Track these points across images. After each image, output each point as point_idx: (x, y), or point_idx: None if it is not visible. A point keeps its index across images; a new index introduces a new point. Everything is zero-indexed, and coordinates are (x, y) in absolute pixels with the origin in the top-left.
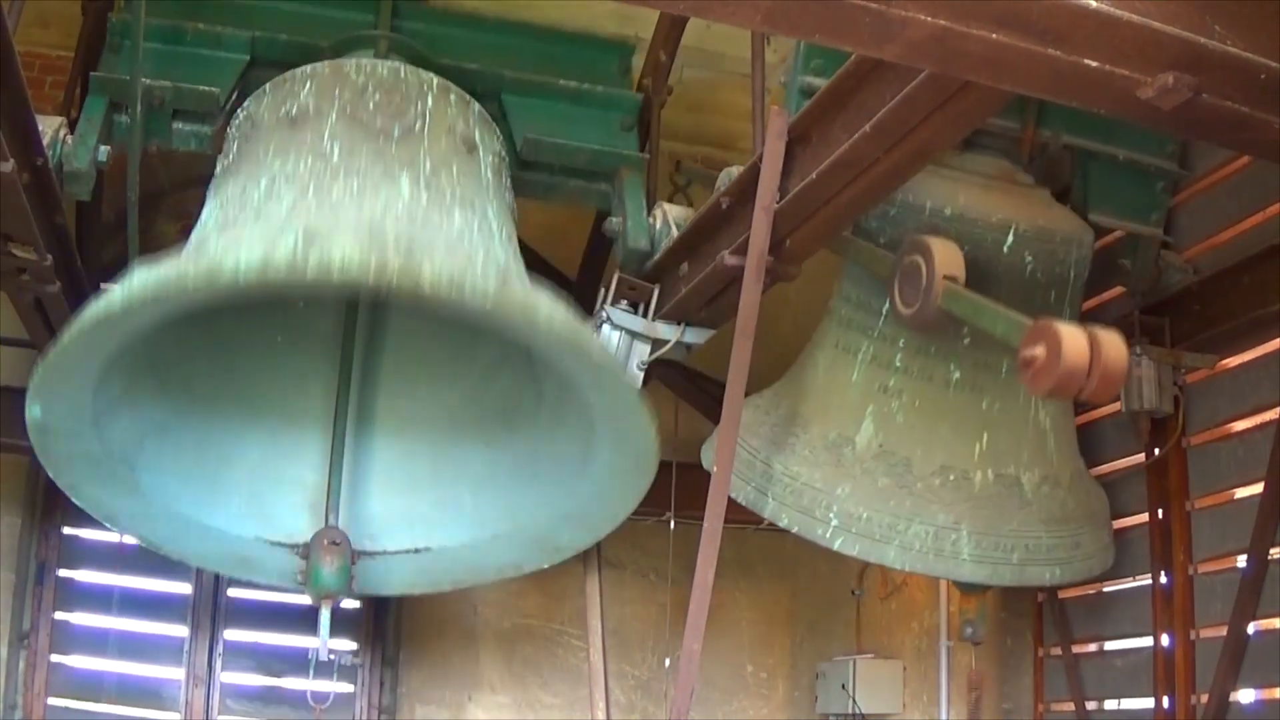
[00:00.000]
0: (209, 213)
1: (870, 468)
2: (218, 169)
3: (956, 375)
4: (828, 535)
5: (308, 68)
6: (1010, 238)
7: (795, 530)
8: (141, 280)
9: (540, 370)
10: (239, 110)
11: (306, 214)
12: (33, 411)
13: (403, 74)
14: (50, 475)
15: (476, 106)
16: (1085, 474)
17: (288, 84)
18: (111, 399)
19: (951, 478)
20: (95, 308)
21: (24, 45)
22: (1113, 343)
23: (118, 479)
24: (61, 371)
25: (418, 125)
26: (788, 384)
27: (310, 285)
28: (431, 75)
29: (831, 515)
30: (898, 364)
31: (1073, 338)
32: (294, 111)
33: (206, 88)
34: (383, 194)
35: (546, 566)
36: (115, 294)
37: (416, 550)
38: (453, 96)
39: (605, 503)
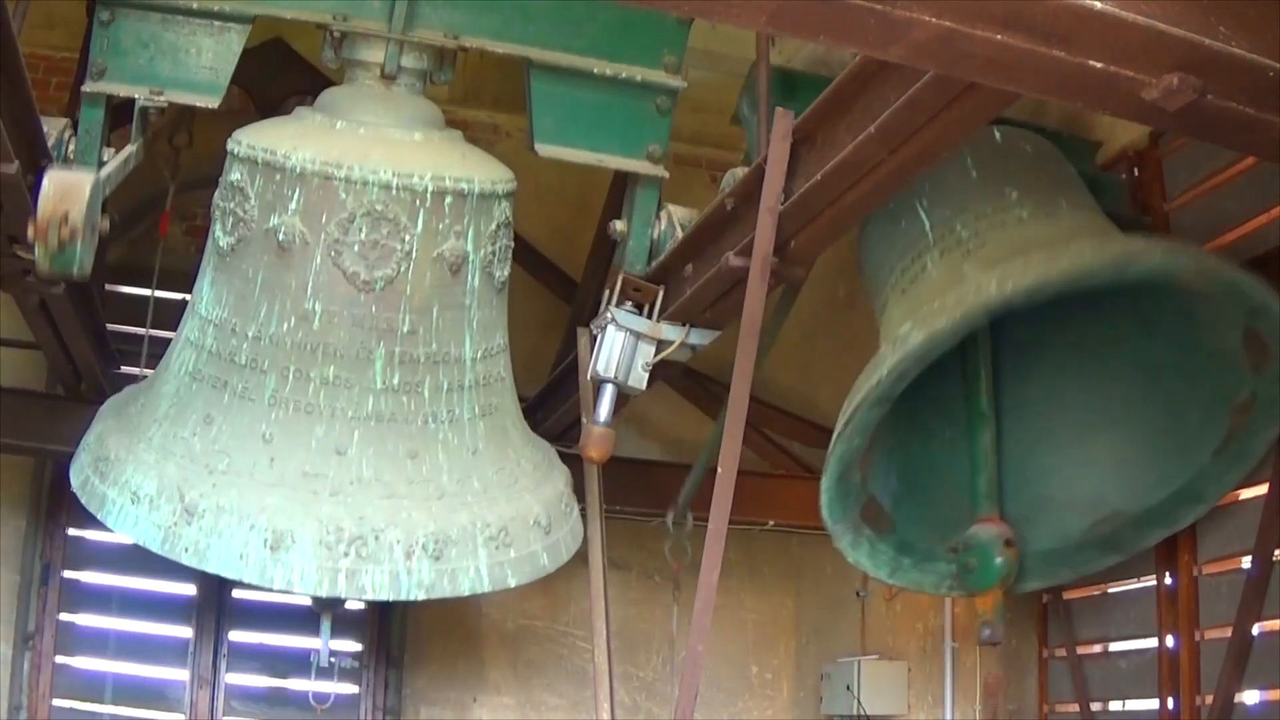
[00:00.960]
0: (206, 315)
1: None
2: (217, 234)
3: None
4: None
5: (296, 165)
6: None
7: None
8: (139, 530)
9: None
10: (231, 163)
11: (282, 433)
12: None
13: (394, 191)
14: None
15: (475, 191)
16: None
17: (277, 179)
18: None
19: None
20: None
21: (29, 47)
22: None
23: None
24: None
25: (401, 269)
26: None
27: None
28: (427, 183)
29: None
30: None
31: None
32: (281, 236)
33: (203, 103)
34: (355, 391)
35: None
36: (112, 510)
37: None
38: (448, 202)
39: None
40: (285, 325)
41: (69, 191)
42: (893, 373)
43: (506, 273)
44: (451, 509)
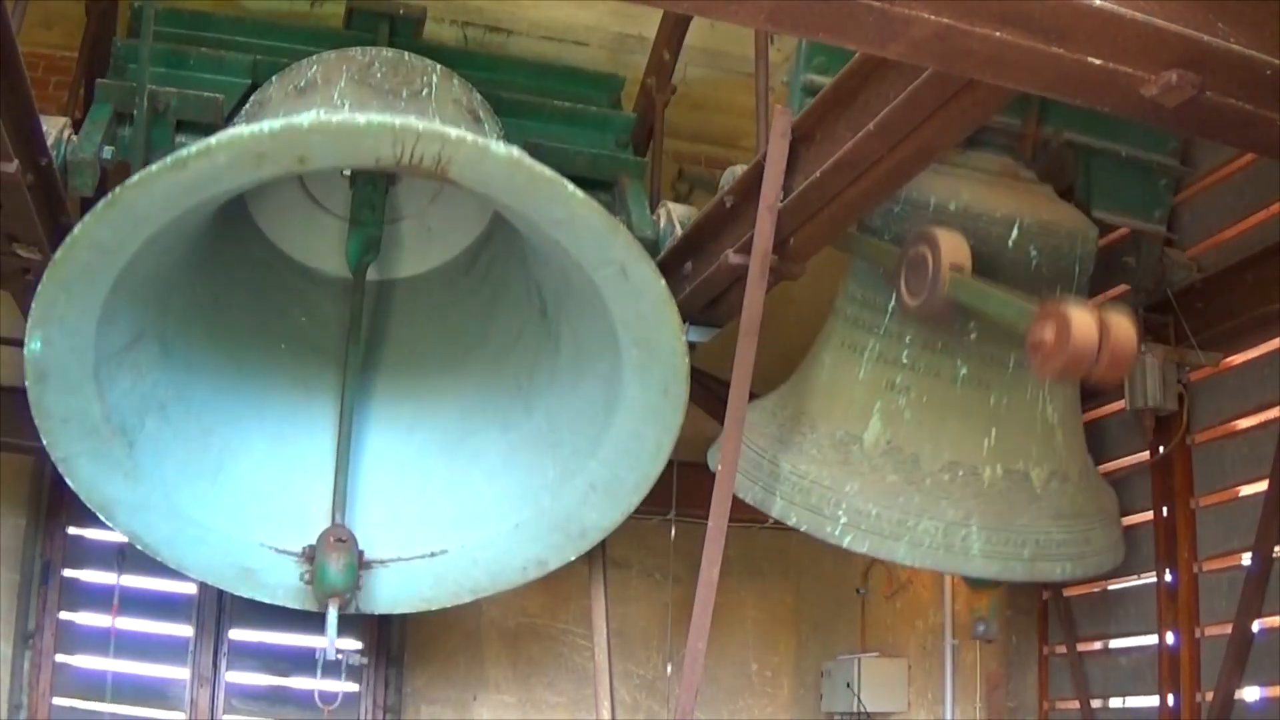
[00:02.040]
0: None
1: (878, 464)
2: None
3: (964, 371)
4: (837, 533)
5: (314, 55)
6: (1015, 232)
7: (804, 528)
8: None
9: (556, 315)
10: (249, 100)
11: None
12: (32, 345)
13: (406, 57)
14: (45, 443)
15: (478, 95)
16: (1093, 470)
17: (294, 69)
18: (113, 349)
19: (960, 473)
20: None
21: (28, 46)
22: (1121, 323)
23: (114, 458)
24: (72, 275)
25: (424, 92)
26: (794, 385)
27: (336, 144)
28: (434, 62)
29: (840, 513)
30: (904, 360)
31: (1081, 319)
32: (302, 84)
33: (211, 94)
34: None
35: (573, 559)
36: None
37: (433, 554)
38: (455, 80)
39: (634, 459)
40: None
41: None
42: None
43: None
44: None
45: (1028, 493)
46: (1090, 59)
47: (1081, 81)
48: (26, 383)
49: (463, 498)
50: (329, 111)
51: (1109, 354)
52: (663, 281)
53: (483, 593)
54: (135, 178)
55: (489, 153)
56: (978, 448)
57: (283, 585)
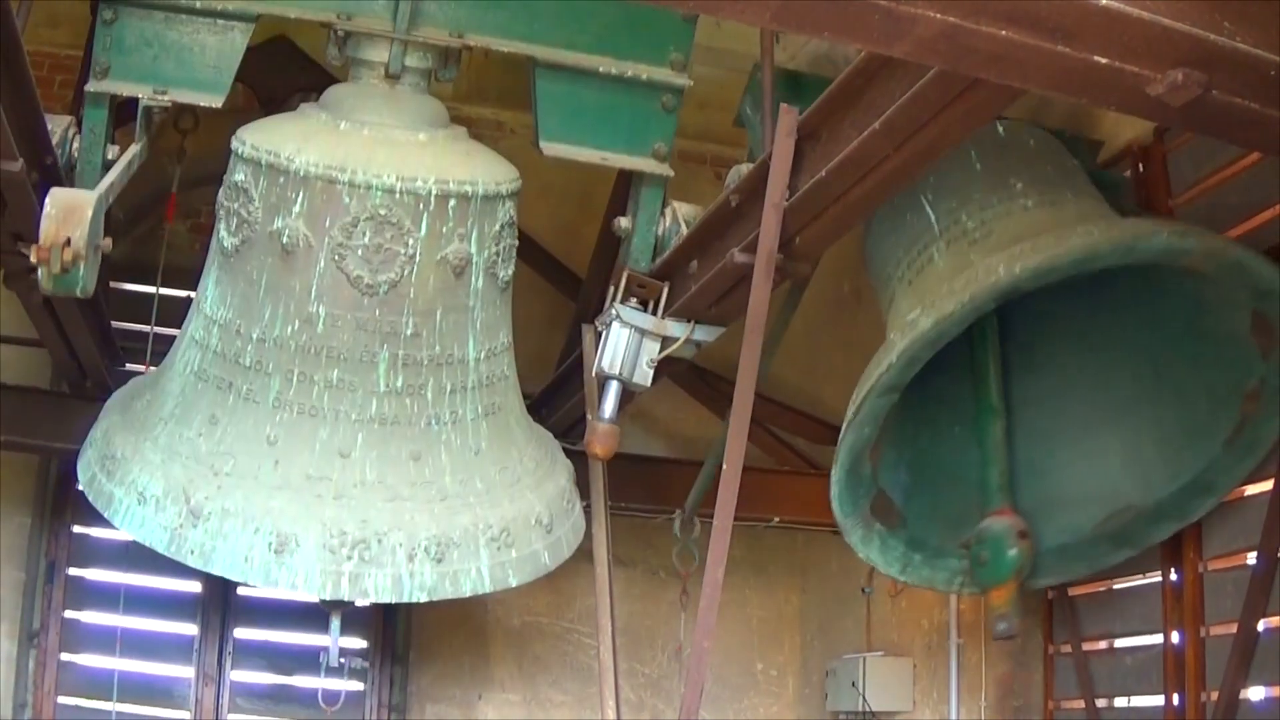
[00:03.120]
0: (211, 315)
1: None
2: (221, 234)
3: None
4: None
5: (300, 168)
6: None
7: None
8: (144, 530)
9: None
10: (235, 162)
11: (286, 436)
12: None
13: (398, 195)
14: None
15: (479, 193)
16: None
17: (281, 182)
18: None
19: None
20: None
21: (33, 45)
22: None
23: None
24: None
25: (405, 273)
26: None
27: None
28: (430, 186)
29: None
30: None
31: None
32: (285, 239)
33: (206, 103)
34: (359, 393)
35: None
36: (119, 509)
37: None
38: (451, 205)
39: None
40: (289, 328)
41: (71, 214)
42: (902, 357)
43: (510, 272)
44: (454, 511)
45: None
46: (1096, 58)
47: (1087, 80)
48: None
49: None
50: (266, 567)
51: None
52: None
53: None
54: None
55: (404, 597)
56: None
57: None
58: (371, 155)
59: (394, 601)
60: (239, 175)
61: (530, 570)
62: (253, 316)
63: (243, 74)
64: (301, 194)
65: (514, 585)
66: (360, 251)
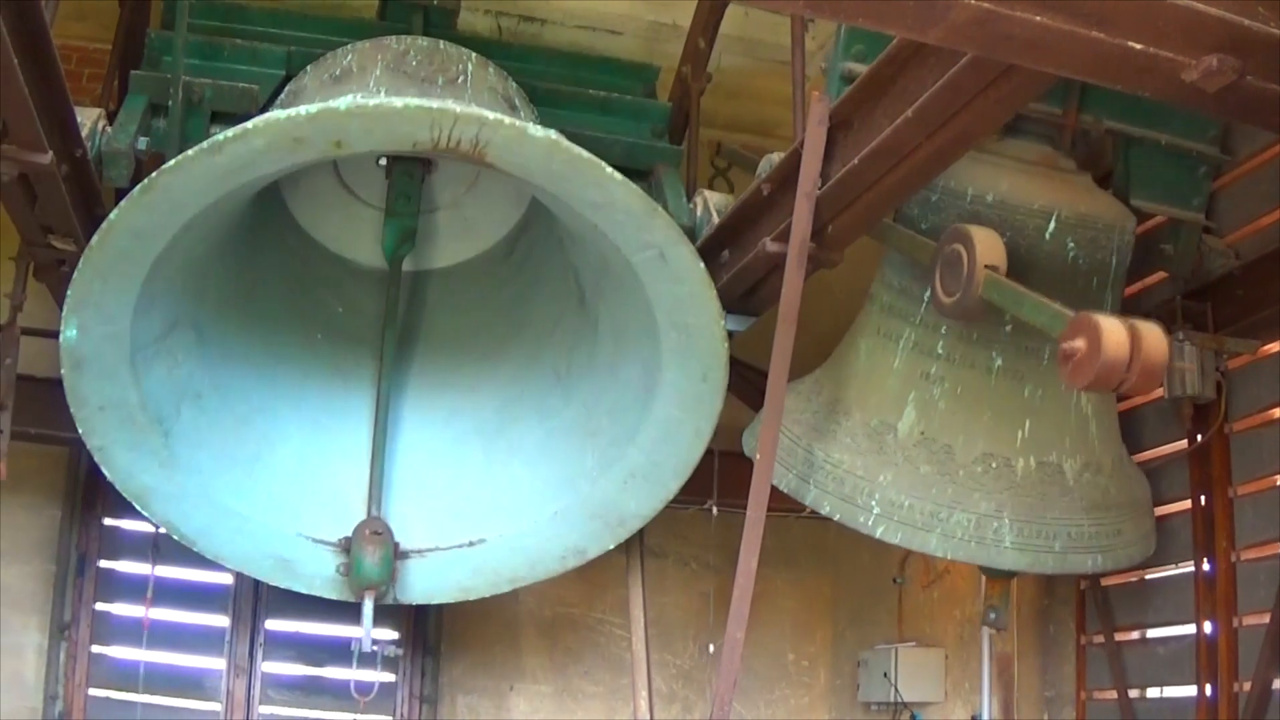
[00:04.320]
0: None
1: (912, 455)
2: None
3: (999, 362)
4: (870, 523)
5: (348, 45)
6: (1052, 224)
7: (837, 518)
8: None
9: (595, 302)
10: (285, 88)
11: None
12: (68, 333)
13: (441, 45)
14: (80, 431)
15: (514, 83)
16: (1127, 460)
17: (329, 58)
18: (149, 337)
19: (994, 465)
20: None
21: (61, 38)
22: (1153, 335)
23: (150, 446)
24: (108, 262)
25: (460, 79)
26: (829, 370)
27: (373, 128)
28: (469, 51)
29: (874, 503)
30: (939, 351)
31: (1113, 331)
32: (337, 72)
33: (246, 85)
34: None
35: (612, 547)
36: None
37: (470, 544)
38: (491, 68)
39: (673, 446)
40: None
41: None
42: None
43: None
44: None
45: (1060, 485)
46: (1130, 43)
47: (1121, 66)
48: (62, 370)
49: (500, 487)
50: (366, 95)
51: (1140, 366)
52: (702, 265)
53: (521, 582)
54: (172, 162)
55: (526, 135)
56: (1011, 439)
57: (319, 576)
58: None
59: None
60: (288, 88)
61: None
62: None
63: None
64: (351, 54)
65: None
66: (415, 62)
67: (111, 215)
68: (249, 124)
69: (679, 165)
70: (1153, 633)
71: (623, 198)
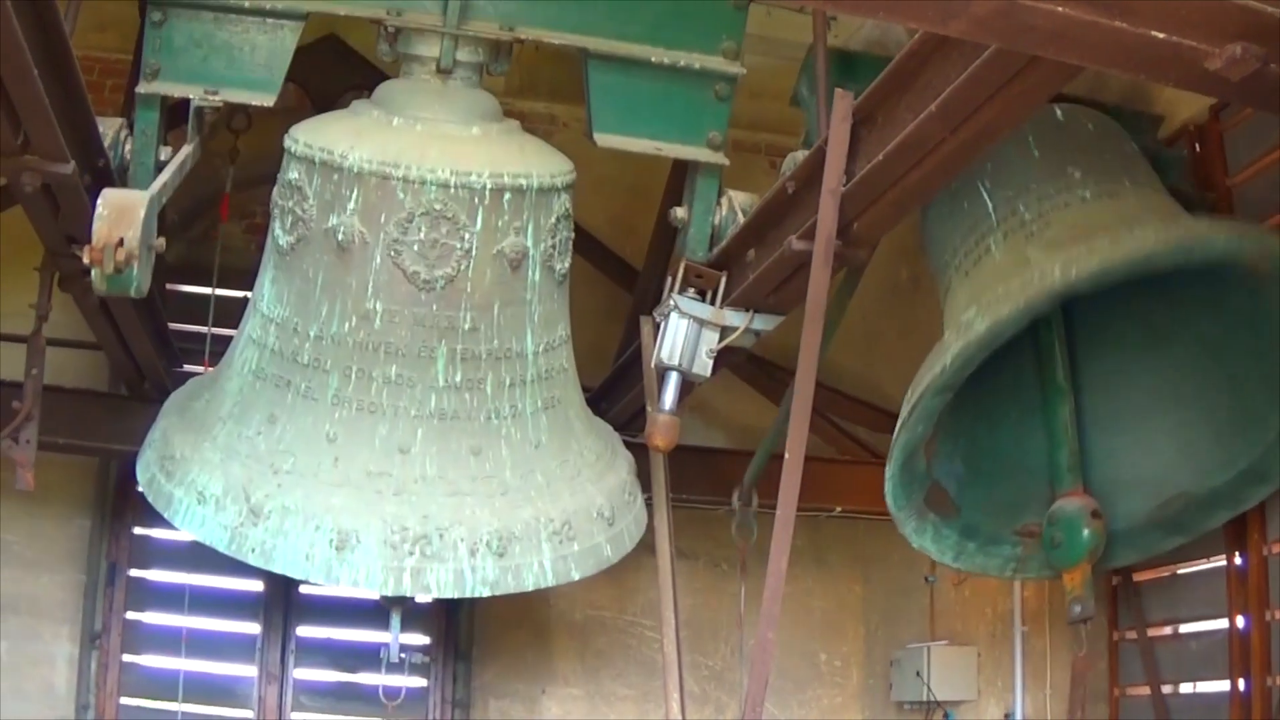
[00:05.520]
0: (268, 314)
1: None
2: (276, 232)
3: None
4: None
5: (354, 164)
6: None
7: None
8: (205, 530)
9: None
10: (289, 162)
11: (345, 434)
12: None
13: (452, 190)
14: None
15: (534, 186)
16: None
17: (335, 179)
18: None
19: None
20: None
21: (82, 49)
22: None
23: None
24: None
25: (462, 268)
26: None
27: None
28: (485, 180)
29: None
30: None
31: None
32: (340, 236)
33: (259, 101)
34: (418, 389)
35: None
36: (179, 509)
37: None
38: (506, 199)
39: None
40: (347, 325)
41: (124, 215)
42: (956, 360)
43: (567, 264)
44: (515, 505)
45: None
46: (1153, 33)
47: (1144, 56)
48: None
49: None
50: (329, 564)
51: None
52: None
53: None
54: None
55: (466, 592)
56: None
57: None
58: (425, 150)
59: (456, 597)
60: (293, 174)
61: (593, 563)
62: (310, 314)
63: (294, 73)
64: (356, 190)
65: (576, 579)
66: (416, 247)
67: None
68: (238, 553)
69: (718, 175)
70: (1185, 627)
71: None
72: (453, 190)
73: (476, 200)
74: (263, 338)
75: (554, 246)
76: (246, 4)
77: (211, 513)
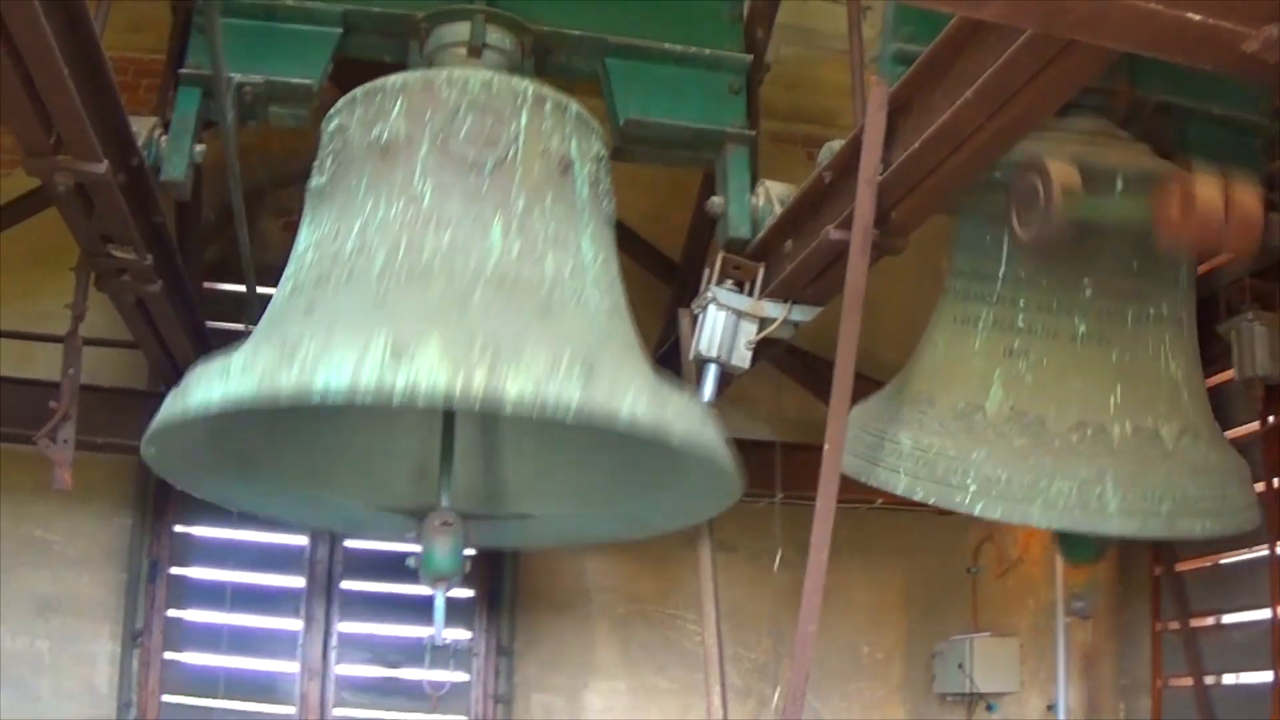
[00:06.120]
0: (305, 244)
1: (1004, 430)
2: (312, 182)
3: (1082, 329)
4: (967, 501)
5: (398, 80)
6: (1119, 184)
7: (932, 501)
8: (229, 389)
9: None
10: (331, 116)
11: (395, 292)
12: (149, 451)
13: (495, 88)
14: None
15: (574, 110)
16: (1219, 430)
17: (378, 99)
18: (223, 433)
19: (1089, 432)
20: (177, 408)
21: (117, 50)
22: (1246, 191)
23: (234, 476)
24: (167, 435)
25: (510, 153)
26: (907, 372)
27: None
28: (526, 84)
29: (969, 481)
30: (1020, 324)
31: (1206, 189)
32: (384, 138)
33: (299, 80)
34: (474, 254)
35: (641, 538)
36: (199, 397)
37: (521, 516)
38: (548, 106)
39: (693, 505)
40: (394, 210)
41: None
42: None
43: (612, 208)
44: (591, 357)
45: (1160, 450)
46: (1189, 15)
47: (1180, 38)
48: (146, 457)
49: (551, 475)
50: (383, 369)
51: (1235, 222)
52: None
53: (565, 543)
54: (194, 404)
55: (548, 408)
56: (1104, 405)
57: (390, 527)
58: (465, 70)
59: (536, 412)
60: (334, 123)
61: (684, 427)
62: (353, 214)
63: (331, 76)
64: (400, 99)
65: (676, 432)
66: (463, 134)
67: (153, 424)
68: (271, 390)
69: (748, 146)
70: (1228, 618)
71: (649, 432)
72: (496, 89)
73: (520, 100)
74: (297, 271)
75: (598, 178)
76: (289, 3)
77: (238, 375)
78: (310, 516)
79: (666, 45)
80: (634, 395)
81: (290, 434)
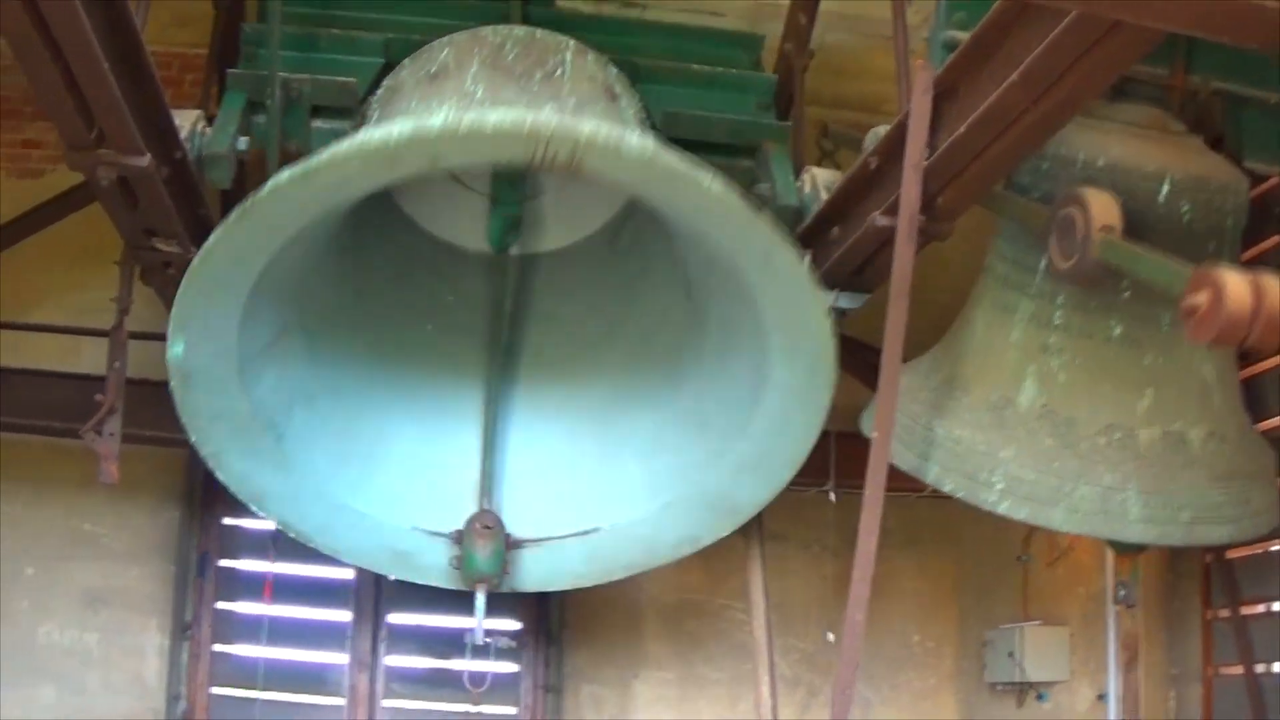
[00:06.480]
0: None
1: (1034, 428)
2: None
3: (1117, 330)
4: (994, 500)
5: (445, 37)
6: (1166, 187)
7: (960, 495)
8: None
9: (701, 295)
10: (379, 86)
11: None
12: (175, 350)
13: (538, 35)
14: (193, 441)
15: (614, 68)
16: (1250, 429)
17: (426, 52)
18: (257, 347)
19: (1117, 436)
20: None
21: (161, 45)
22: (1276, 287)
23: (264, 450)
24: (209, 283)
25: (558, 73)
26: (946, 347)
27: (465, 148)
28: (569, 42)
29: (997, 479)
30: (1057, 321)
31: (1235, 285)
32: (434, 69)
33: (345, 79)
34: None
35: (727, 534)
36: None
37: (584, 533)
38: (590, 55)
39: (783, 439)
40: (447, 106)
41: None
42: None
43: None
44: None
45: (1185, 455)
46: None
47: (1226, 18)
48: (171, 385)
49: (613, 477)
50: (458, 111)
51: (1264, 320)
52: (806, 267)
53: (636, 569)
54: (265, 190)
55: (622, 149)
56: (1133, 409)
57: (436, 567)
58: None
59: (613, 150)
60: (382, 88)
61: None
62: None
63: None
64: (447, 48)
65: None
66: (511, 57)
67: (209, 241)
68: (341, 148)
69: (786, 141)
70: (1279, 605)
71: (723, 204)
72: (540, 36)
73: (563, 46)
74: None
75: (643, 119)
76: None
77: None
78: (347, 539)
79: (695, 67)
80: (713, 174)
81: (332, 408)
